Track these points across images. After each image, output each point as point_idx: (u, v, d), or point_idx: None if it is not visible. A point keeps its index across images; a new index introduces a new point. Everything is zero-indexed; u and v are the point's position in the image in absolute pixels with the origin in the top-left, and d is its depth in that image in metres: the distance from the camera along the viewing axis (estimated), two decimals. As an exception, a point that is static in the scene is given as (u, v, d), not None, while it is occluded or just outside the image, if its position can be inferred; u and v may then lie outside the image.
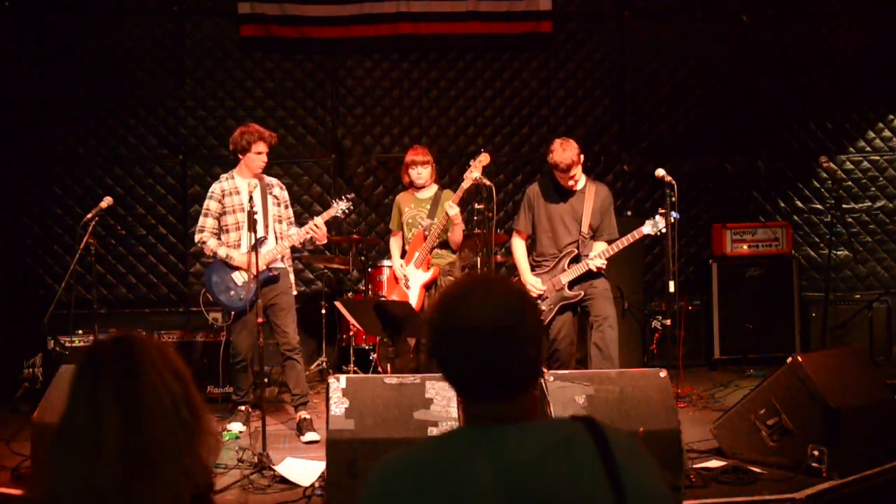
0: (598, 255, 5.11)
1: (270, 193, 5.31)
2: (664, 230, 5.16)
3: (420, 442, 1.55)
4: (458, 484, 1.38)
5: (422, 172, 5.52)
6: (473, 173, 5.10)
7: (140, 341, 1.52)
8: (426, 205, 5.55)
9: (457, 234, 5.43)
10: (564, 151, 4.99)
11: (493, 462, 1.40)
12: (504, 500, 1.36)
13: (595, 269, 5.10)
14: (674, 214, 5.19)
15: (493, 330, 1.46)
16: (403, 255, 5.64)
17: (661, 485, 1.45)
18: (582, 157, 5.09)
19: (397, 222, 5.67)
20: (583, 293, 5.15)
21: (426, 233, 5.46)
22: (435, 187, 5.64)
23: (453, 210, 5.23)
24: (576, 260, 5.17)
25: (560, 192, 5.19)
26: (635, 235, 5.13)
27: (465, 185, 5.17)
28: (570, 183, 5.10)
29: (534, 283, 5.18)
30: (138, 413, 1.43)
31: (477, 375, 1.48)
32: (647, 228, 5.14)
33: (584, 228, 5.17)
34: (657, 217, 5.16)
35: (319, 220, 5.23)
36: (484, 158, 5.19)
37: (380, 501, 1.42)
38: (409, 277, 5.48)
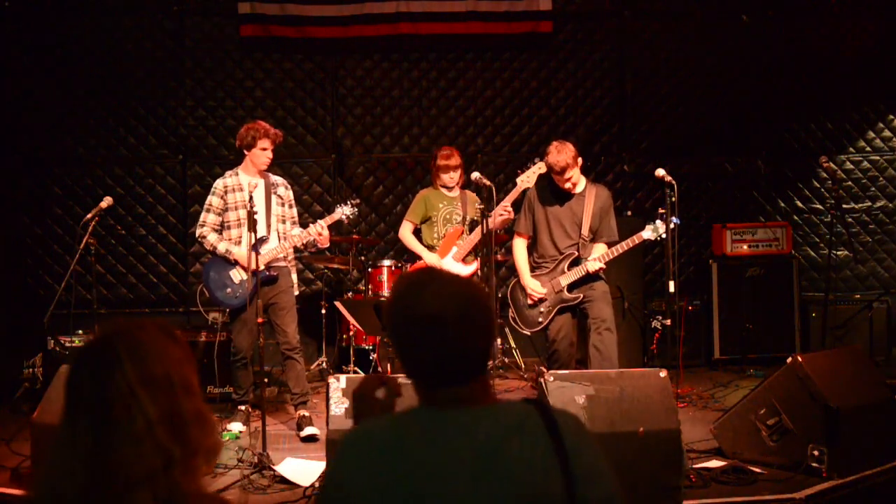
0: (596, 258, 5.11)
1: (275, 193, 5.31)
2: (664, 235, 5.16)
3: (381, 417, 1.69)
4: (421, 459, 1.48)
5: (453, 176, 5.76)
6: (524, 177, 5.34)
7: (122, 344, 1.41)
8: (457, 203, 5.79)
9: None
10: (559, 154, 4.99)
11: (453, 441, 1.50)
12: (466, 478, 1.46)
13: (593, 273, 5.11)
14: (674, 220, 5.19)
15: (444, 319, 1.55)
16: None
17: (605, 465, 1.56)
18: (580, 160, 5.08)
19: (421, 216, 5.79)
20: (582, 296, 5.15)
21: (466, 229, 5.68)
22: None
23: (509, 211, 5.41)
24: (575, 262, 5.17)
25: (560, 195, 5.18)
26: (635, 240, 5.13)
27: (518, 188, 5.38)
28: (568, 186, 5.09)
29: (534, 287, 5.18)
30: (108, 429, 1.35)
31: (428, 362, 1.57)
32: (647, 233, 5.14)
33: (584, 231, 5.17)
34: (657, 222, 5.16)
35: (323, 224, 5.23)
36: (541, 167, 5.31)
37: (343, 471, 1.52)
38: (449, 270, 5.49)
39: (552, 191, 5.20)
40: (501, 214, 5.36)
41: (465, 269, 5.65)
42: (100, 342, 1.45)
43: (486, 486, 1.46)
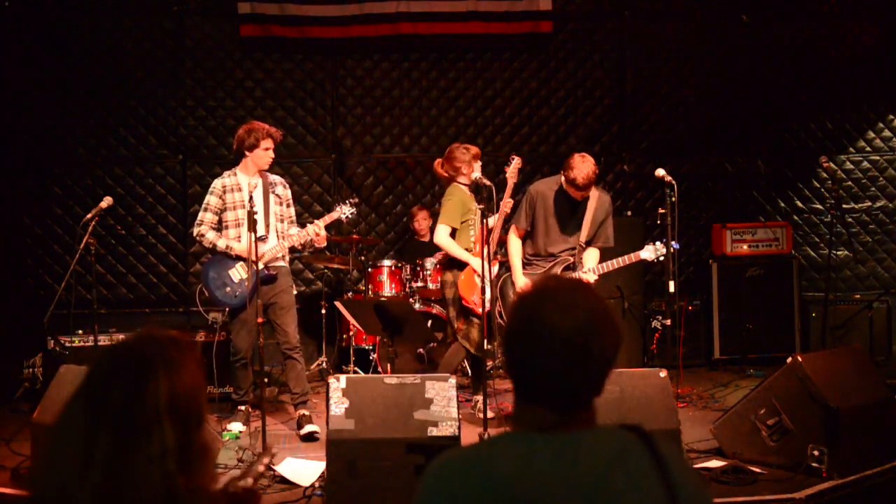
0: (591, 269, 5.13)
1: (273, 192, 5.30)
2: (662, 258, 5.18)
3: (475, 444, 1.50)
4: (521, 488, 1.35)
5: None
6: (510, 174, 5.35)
7: (162, 368, 1.43)
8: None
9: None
10: (584, 169, 4.93)
11: (557, 469, 1.37)
12: None
13: (588, 282, 5.10)
14: (674, 244, 5.21)
15: (573, 338, 1.42)
16: None
17: (708, 493, 1.47)
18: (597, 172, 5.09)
19: (460, 218, 5.41)
20: None
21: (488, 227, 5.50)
22: None
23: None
24: (569, 268, 5.18)
25: (564, 198, 5.17)
26: (632, 258, 5.15)
27: (510, 185, 5.36)
28: (582, 197, 5.11)
29: (524, 286, 5.18)
30: (128, 446, 1.38)
31: (544, 381, 1.44)
32: (646, 254, 5.17)
33: (582, 237, 5.18)
34: (657, 243, 5.18)
35: (321, 224, 5.22)
36: (518, 162, 5.37)
37: (436, 499, 1.39)
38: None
39: (557, 193, 5.19)
40: (506, 211, 5.37)
41: (495, 271, 5.42)
42: (140, 356, 1.45)
43: None
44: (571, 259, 5.19)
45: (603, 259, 5.23)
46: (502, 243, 6.41)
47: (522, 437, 1.44)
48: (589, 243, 5.23)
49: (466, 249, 5.37)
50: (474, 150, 5.49)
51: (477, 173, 5.30)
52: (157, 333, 1.50)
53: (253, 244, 4.69)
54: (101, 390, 1.42)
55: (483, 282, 4.87)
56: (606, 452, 1.40)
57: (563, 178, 5.07)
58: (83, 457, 1.38)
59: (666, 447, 1.44)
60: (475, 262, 5.29)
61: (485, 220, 4.93)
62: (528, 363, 1.45)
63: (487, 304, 4.83)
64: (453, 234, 5.38)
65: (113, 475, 1.36)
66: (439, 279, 5.90)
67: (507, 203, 5.38)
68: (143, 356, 1.44)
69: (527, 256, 5.32)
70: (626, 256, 5.12)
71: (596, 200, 5.17)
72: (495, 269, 5.45)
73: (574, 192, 5.06)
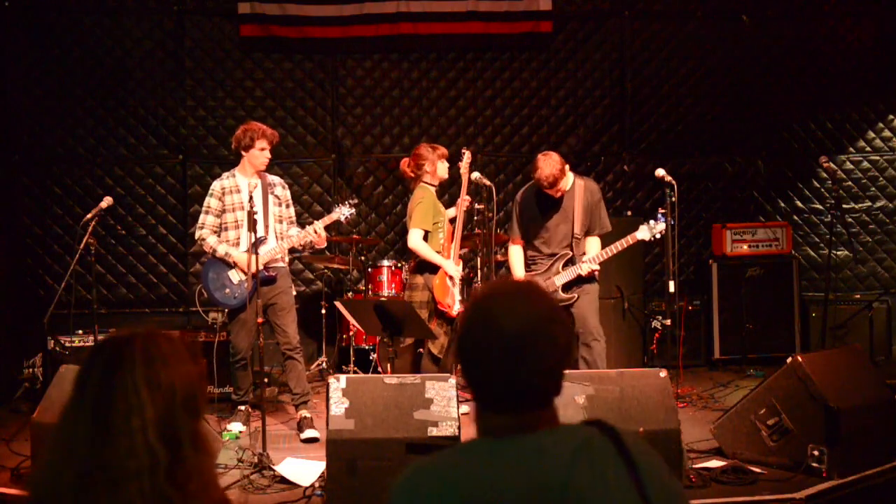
0: (590, 259, 5.11)
1: (272, 193, 5.31)
2: (658, 235, 5.15)
3: (442, 451, 1.51)
4: (486, 493, 1.36)
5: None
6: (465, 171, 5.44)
7: (137, 348, 1.46)
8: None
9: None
10: (546, 168, 4.93)
11: (520, 470, 1.37)
12: None
13: (587, 274, 5.12)
14: (661, 218, 5.19)
15: (522, 340, 1.42)
16: None
17: (675, 480, 1.46)
18: (567, 166, 5.05)
19: (432, 221, 5.41)
20: (576, 296, 5.16)
21: (453, 228, 5.58)
22: None
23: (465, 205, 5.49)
24: (570, 262, 5.18)
25: (546, 198, 5.15)
26: (629, 241, 5.12)
27: (465, 181, 5.45)
28: (557, 194, 5.10)
29: None
30: (108, 419, 1.41)
31: (498, 387, 1.44)
32: (642, 234, 5.14)
33: (577, 229, 5.16)
34: (652, 222, 5.14)
35: (320, 225, 5.22)
36: (468, 155, 5.53)
37: None
38: (455, 276, 5.44)
39: (539, 195, 5.17)
40: (465, 203, 5.54)
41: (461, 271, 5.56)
42: (121, 339, 1.50)
43: None
44: (570, 253, 5.18)
45: (604, 245, 5.24)
46: (501, 243, 6.43)
47: (484, 442, 1.45)
48: (587, 233, 5.23)
49: (437, 252, 5.41)
50: (441, 149, 5.55)
51: (476, 173, 5.31)
52: (151, 327, 1.54)
53: (251, 249, 4.69)
54: (84, 371, 1.47)
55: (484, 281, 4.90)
56: (569, 448, 1.39)
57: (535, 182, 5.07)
58: (68, 441, 1.43)
59: (629, 437, 1.44)
60: (449, 265, 5.36)
61: (485, 221, 4.95)
62: (478, 369, 1.46)
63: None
64: (426, 237, 5.41)
65: (95, 454, 1.40)
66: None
67: (465, 200, 5.48)
68: (124, 337, 1.49)
69: (528, 257, 5.33)
70: (622, 241, 5.12)
71: (582, 190, 5.14)
72: (459, 268, 5.52)
73: (548, 191, 5.05)
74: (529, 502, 1.35)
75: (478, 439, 1.47)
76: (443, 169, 5.51)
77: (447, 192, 5.62)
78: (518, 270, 5.29)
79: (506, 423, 1.44)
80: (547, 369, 1.45)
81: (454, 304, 5.35)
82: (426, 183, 5.49)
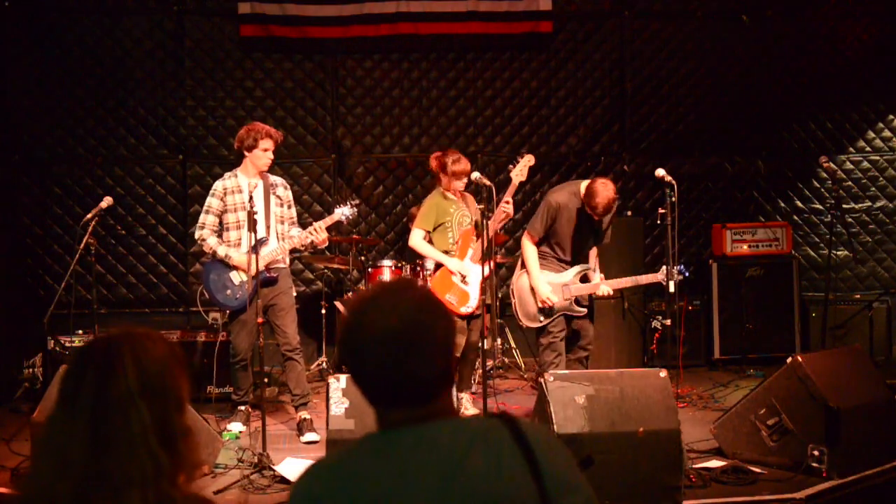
0: (611, 286, 5.23)
1: (274, 193, 5.30)
2: (672, 289, 5.23)
3: (341, 448, 1.54)
4: (381, 487, 1.38)
5: (465, 181, 5.53)
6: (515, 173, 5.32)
7: (129, 351, 1.45)
8: (463, 205, 5.61)
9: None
10: (606, 196, 4.96)
11: (412, 461, 1.39)
12: (432, 499, 1.37)
13: (603, 296, 5.29)
14: (681, 269, 5.23)
15: (397, 337, 1.43)
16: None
17: (578, 474, 1.47)
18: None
19: (433, 222, 5.51)
20: (585, 311, 5.28)
21: (477, 229, 5.50)
22: None
23: (509, 207, 5.40)
24: (584, 279, 5.27)
25: (586, 216, 5.19)
26: (650, 279, 5.27)
27: (514, 184, 5.34)
28: (601, 218, 5.19)
29: (548, 295, 5.19)
30: (106, 431, 1.40)
31: (382, 384, 1.45)
32: (661, 275, 5.25)
33: (598, 243, 5.38)
34: (675, 270, 5.22)
35: (321, 225, 5.21)
36: (529, 160, 5.38)
37: None
38: (469, 273, 5.48)
39: (580, 211, 5.21)
40: (504, 211, 5.35)
41: (485, 271, 5.52)
42: (107, 345, 1.48)
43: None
44: (590, 267, 5.33)
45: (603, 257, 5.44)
46: (500, 244, 6.43)
47: (381, 435, 1.47)
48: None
49: (445, 251, 5.48)
50: (461, 167, 5.43)
51: (476, 173, 5.30)
52: (127, 326, 1.53)
53: (251, 250, 4.69)
54: (74, 381, 1.45)
55: (486, 282, 4.89)
56: (466, 436, 1.42)
57: (583, 202, 5.08)
58: (62, 452, 1.41)
59: (530, 428, 1.45)
60: (452, 262, 5.43)
61: (485, 221, 4.94)
62: (362, 369, 1.47)
63: (480, 303, 4.82)
64: (433, 238, 5.53)
65: (94, 461, 1.39)
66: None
67: (505, 201, 5.35)
68: (109, 343, 1.48)
69: (540, 252, 5.34)
70: (644, 276, 5.33)
71: (612, 211, 5.23)
72: (486, 270, 5.47)
73: (593, 215, 5.11)
74: (424, 490, 1.37)
75: (374, 433, 1.49)
76: (456, 185, 5.52)
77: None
78: (534, 269, 5.28)
79: (400, 417, 1.45)
80: (429, 359, 1.45)
81: (456, 302, 5.35)
82: (440, 186, 5.59)
